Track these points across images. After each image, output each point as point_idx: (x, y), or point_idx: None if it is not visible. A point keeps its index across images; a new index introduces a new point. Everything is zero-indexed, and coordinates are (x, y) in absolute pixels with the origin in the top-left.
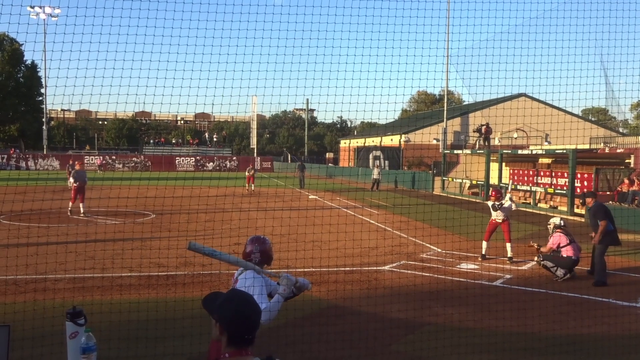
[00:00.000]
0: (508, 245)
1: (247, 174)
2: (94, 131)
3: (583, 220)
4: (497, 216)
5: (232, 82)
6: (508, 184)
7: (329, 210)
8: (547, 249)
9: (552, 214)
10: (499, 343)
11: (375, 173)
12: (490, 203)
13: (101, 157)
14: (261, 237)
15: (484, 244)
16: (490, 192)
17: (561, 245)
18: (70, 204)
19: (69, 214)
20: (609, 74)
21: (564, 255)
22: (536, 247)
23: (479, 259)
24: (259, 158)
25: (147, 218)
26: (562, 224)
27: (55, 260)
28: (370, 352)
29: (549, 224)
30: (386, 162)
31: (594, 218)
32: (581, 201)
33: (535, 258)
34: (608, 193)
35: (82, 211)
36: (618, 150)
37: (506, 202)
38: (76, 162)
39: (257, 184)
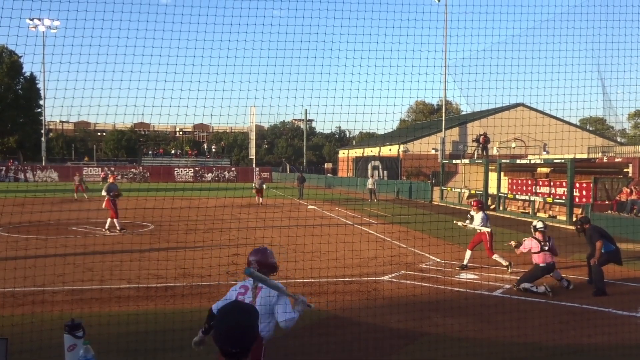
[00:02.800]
0: (495, 256)
1: (256, 186)
2: (92, 142)
3: None
4: (477, 226)
5: (230, 93)
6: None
7: (328, 221)
8: (519, 253)
9: (550, 224)
10: (499, 353)
11: (369, 183)
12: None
13: (103, 172)
14: (261, 248)
15: (468, 253)
16: (472, 202)
17: (532, 251)
18: (115, 220)
19: (107, 231)
20: (607, 83)
21: (533, 265)
22: (514, 244)
23: (458, 268)
24: (257, 168)
25: (146, 229)
26: (542, 226)
27: (53, 272)
28: None
29: (532, 227)
30: (385, 172)
31: (591, 242)
32: (578, 227)
33: (514, 288)
34: (607, 202)
35: (118, 227)
36: (616, 160)
37: (476, 216)
38: (109, 175)
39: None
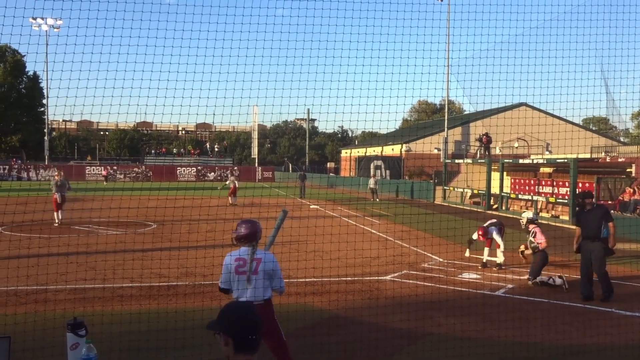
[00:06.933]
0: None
1: (230, 184)
2: (95, 142)
3: None
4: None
5: (233, 92)
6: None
7: (330, 220)
8: (543, 246)
9: (553, 223)
10: (502, 353)
11: (371, 183)
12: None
13: (106, 169)
14: (243, 220)
15: (499, 253)
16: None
17: (538, 240)
18: (55, 213)
19: (57, 224)
20: (610, 83)
21: (539, 251)
22: (523, 252)
23: (495, 268)
24: (260, 168)
25: (149, 228)
26: (535, 218)
27: (56, 271)
28: None
29: (521, 219)
30: (387, 171)
31: (599, 220)
32: (579, 201)
33: (529, 282)
34: (610, 202)
35: (60, 218)
36: (619, 160)
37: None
38: (55, 175)
39: (257, 193)
